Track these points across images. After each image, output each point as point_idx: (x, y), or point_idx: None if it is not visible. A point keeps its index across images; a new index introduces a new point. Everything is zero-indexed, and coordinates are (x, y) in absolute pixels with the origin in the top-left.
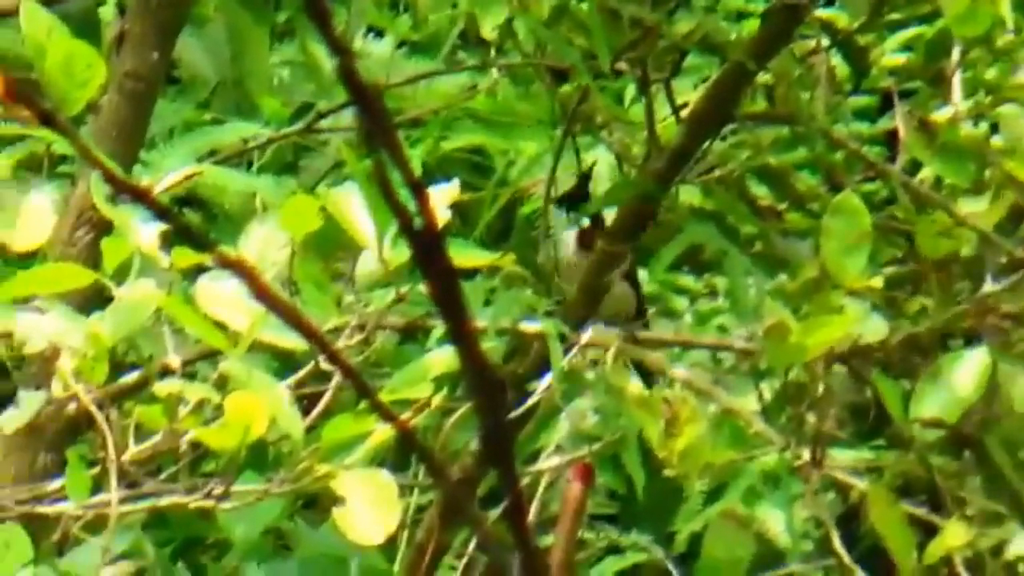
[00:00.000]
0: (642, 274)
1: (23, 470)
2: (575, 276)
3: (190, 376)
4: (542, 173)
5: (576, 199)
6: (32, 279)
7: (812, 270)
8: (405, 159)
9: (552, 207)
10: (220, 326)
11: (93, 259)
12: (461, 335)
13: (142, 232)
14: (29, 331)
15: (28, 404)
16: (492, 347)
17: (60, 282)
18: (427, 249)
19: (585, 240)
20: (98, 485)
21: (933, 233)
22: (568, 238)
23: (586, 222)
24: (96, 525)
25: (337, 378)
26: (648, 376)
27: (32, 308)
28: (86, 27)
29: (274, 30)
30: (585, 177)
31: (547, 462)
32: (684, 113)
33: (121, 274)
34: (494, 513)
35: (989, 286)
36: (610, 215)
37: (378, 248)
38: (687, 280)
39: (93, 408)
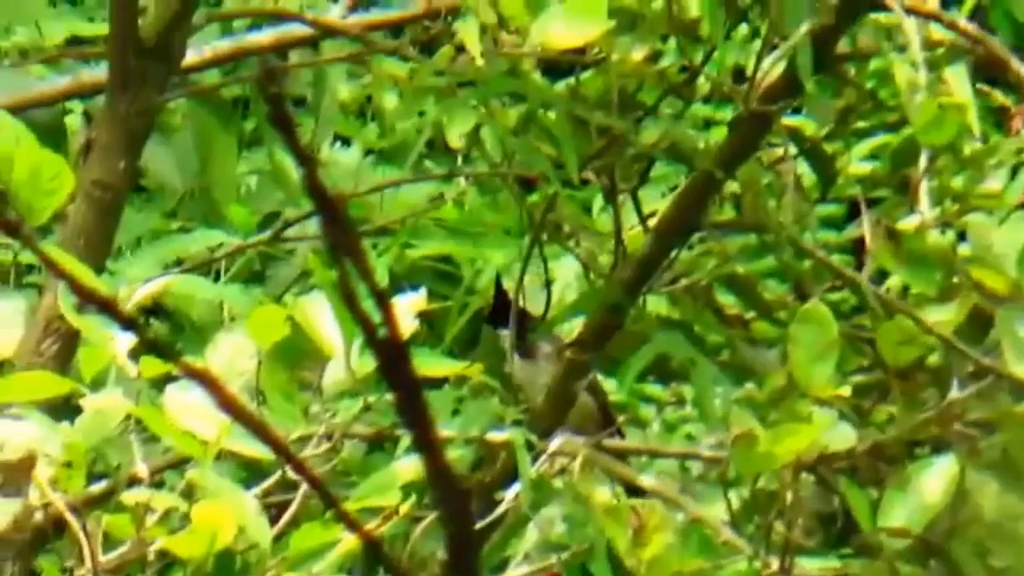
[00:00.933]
0: (610, 383)
1: None
2: (530, 389)
3: (158, 485)
4: (510, 282)
5: (498, 315)
6: (9, 386)
7: (779, 379)
8: (370, 269)
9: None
10: (188, 434)
11: (60, 368)
12: (426, 445)
13: (117, 342)
14: (6, 438)
15: (3, 511)
16: (459, 456)
17: (36, 390)
18: (391, 360)
19: (528, 351)
20: None
21: (896, 341)
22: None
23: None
24: None
25: (304, 487)
26: (635, 490)
27: (8, 415)
28: (53, 135)
29: (241, 138)
30: (502, 292)
31: (516, 571)
32: (651, 222)
33: (93, 384)
34: None
35: (955, 393)
36: (578, 325)
37: (345, 357)
38: (654, 389)
39: (70, 516)
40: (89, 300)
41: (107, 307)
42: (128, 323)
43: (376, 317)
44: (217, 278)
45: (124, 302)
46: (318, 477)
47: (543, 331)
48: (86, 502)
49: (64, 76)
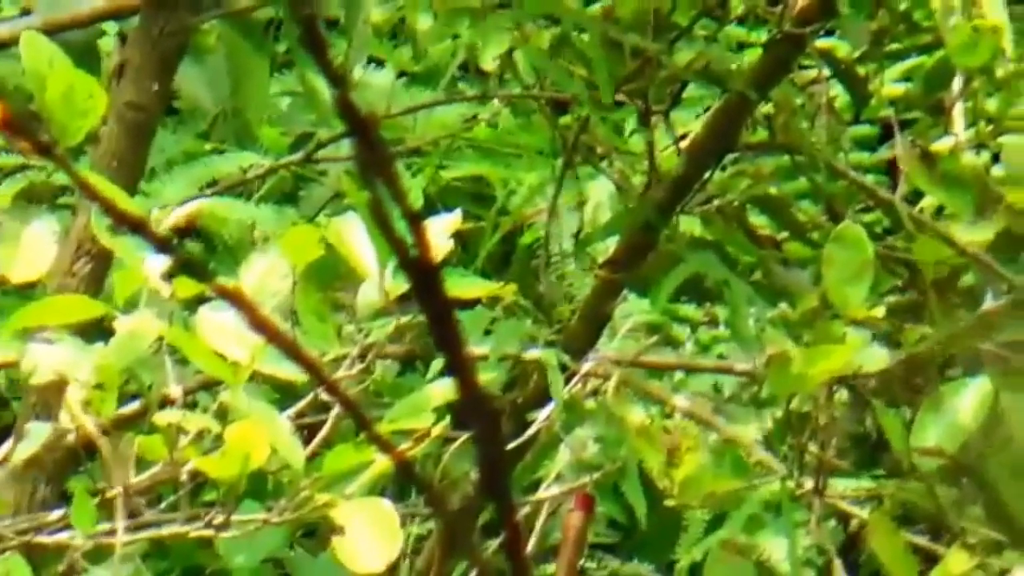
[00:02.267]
0: (643, 303)
1: (22, 501)
2: None
3: (190, 406)
4: (543, 203)
5: None
6: (42, 310)
7: (813, 299)
8: (403, 190)
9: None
10: (220, 357)
11: (93, 290)
12: (458, 367)
13: (150, 263)
14: (38, 362)
15: (36, 435)
16: (492, 377)
17: (68, 313)
18: (424, 281)
19: None
20: (100, 516)
21: (932, 258)
22: None
23: None
24: (97, 556)
25: (337, 408)
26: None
27: (40, 339)
28: (86, 57)
29: (274, 60)
30: None
31: (547, 492)
32: (684, 143)
33: (127, 305)
34: (495, 543)
35: (989, 304)
36: (611, 245)
37: (379, 278)
38: (688, 309)
39: (100, 438)
40: (122, 222)
41: (140, 228)
42: (162, 244)
43: (409, 238)
44: (249, 199)
45: (158, 224)
46: (351, 398)
47: (578, 251)
48: (118, 424)
49: None
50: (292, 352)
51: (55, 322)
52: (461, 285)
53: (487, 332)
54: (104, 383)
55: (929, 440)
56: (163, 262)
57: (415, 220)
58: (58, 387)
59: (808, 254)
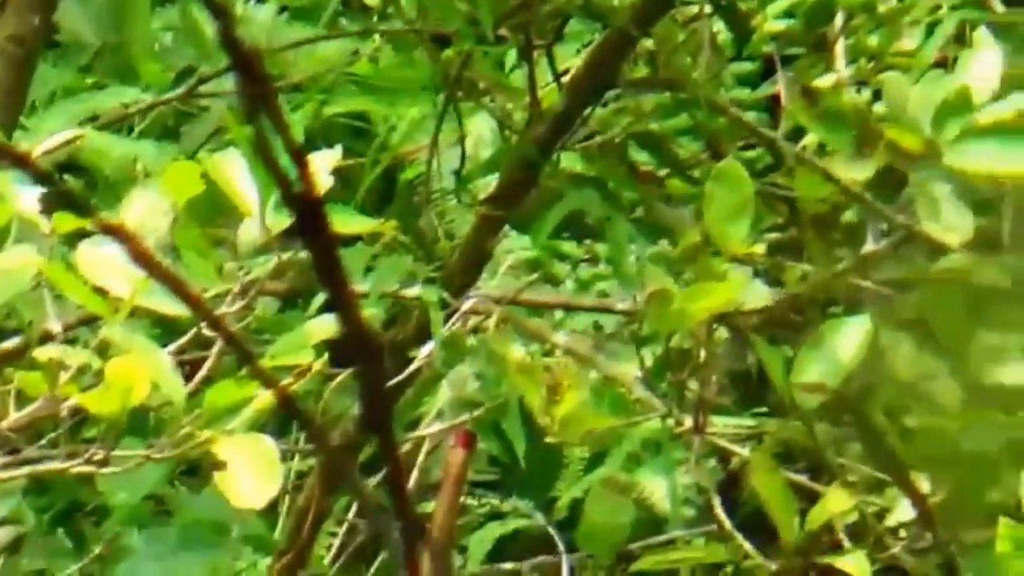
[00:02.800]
0: (523, 240)
1: None
2: None
3: (71, 342)
4: (424, 139)
5: None
6: None
7: (694, 236)
8: (286, 125)
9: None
10: (101, 292)
11: None
12: (341, 302)
13: (22, 197)
14: None
15: None
16: (373, 314)
17: None
18: (307, 216)
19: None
20: None
21: (813, 195)
22: None
23: None
24: None
25: (219, 344)
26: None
27: None
28: None
29: None
30: None
31: (428, 429)
32: (566, 79)
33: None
34: (375, 479)
35: (870, 246)
36: (492, 181)
37: (260, 214)
38: (568, 246)
39: None
40: (2, 155)
41: (20, 161)
42: (42, 176)
43: (292, 173)
44: (130, 134)
45: (38, 157)
46: (233, 333)
47: (458, 188)
48: None
49: None
50: (175, 286)
51: None
52: (342, 221)
53: (368, 269)
54: None
55: (810, 377)
56: (40, 195)
57: (298, 155)
58: None
59: (689, 191)
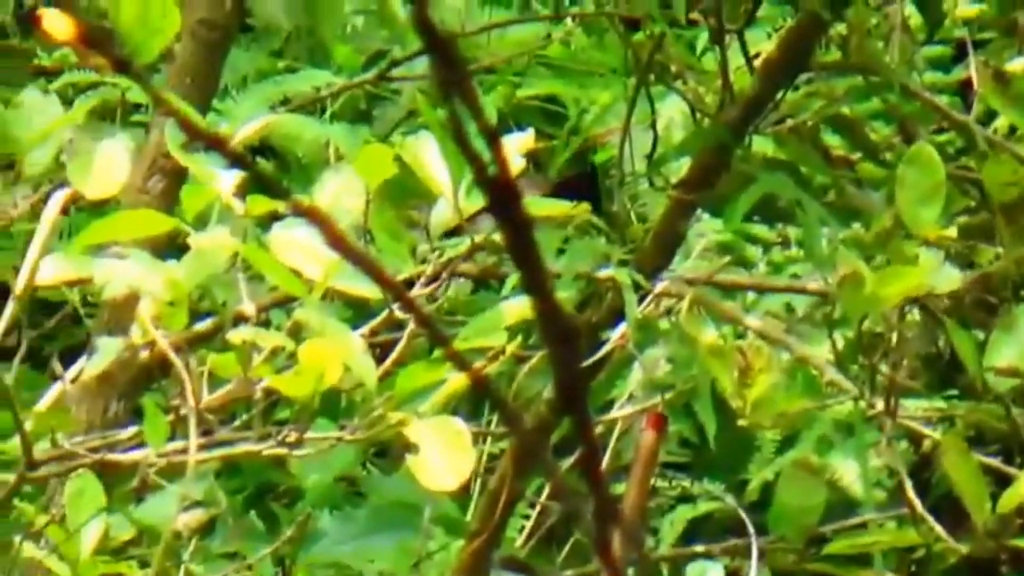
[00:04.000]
0: (715, 223)
1: (95, 418)
2: None
3: (264, 324)
4: (616, 122)
5: None
6: (111, 225)
7: (886, 220)
8: (480, 107)
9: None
10: (295, 274)
11: (166, 207)
12: (535, 284)
13: (221, 179)
14: (108, 276)
15: (106, 350)
16: (566, 296)
17: (139, 228)
18: (502, 197)
19: None
20: (172, 433)
21: (1003, 180)
22: None
23: None
24: (170, 474)
25: (411, 326)
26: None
27: (111, 254)
28: None
29: None
30: None
31: (620, 411)
32: (758, 63)
33: (196, 222)
34: (567, 462)
35: None
36: (684, 165)
37: (453, 196)
38: (761, 230)
39: (172, 354)
40: (197, 137)
41: (215, 144)
42: (236, 159)
43: (485, 156)
44: (323, 117)
45: (231, 139)
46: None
47: (650, 171)
48: (191, 341)
49: None
50: (369, 268)
51: (125, 237)
52: (536, 204)
53: (560, 251)
54: (175, 298)
55: (1002, 360)
56: (235, 177)
57: (493, 137)
58: (131, 304)
59: (881, 175)
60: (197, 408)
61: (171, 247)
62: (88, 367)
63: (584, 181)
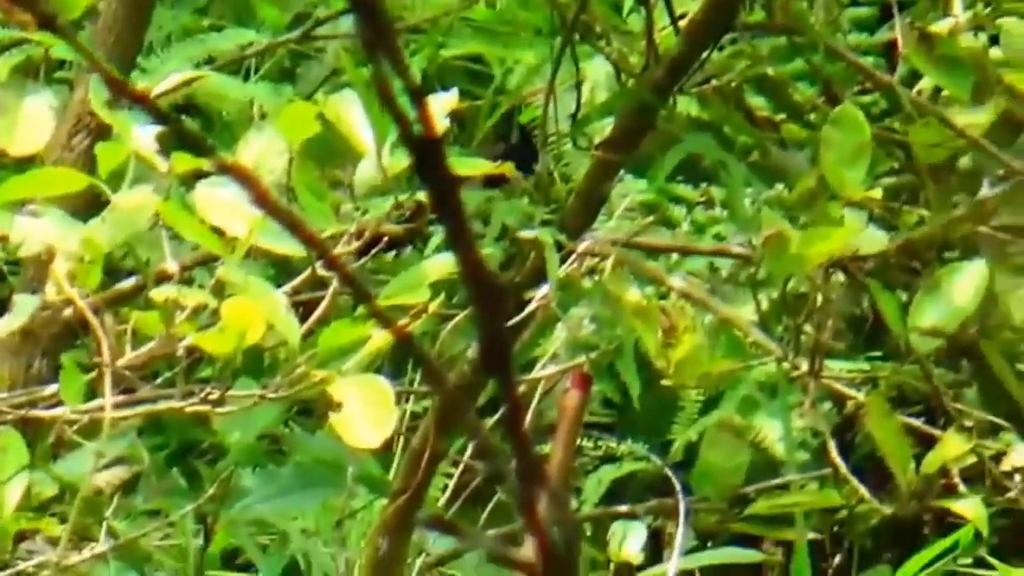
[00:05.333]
0: (640, 183)
1: (18, 375)
2: None
3: (187, 282)
4: (541, 82)
5: None
6: (28, 182)
7: (810, 180)
8: (406, 66)
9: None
10: (218, 232)
11: (90, 165)
12: (461, 243)
13: (140, 136)
14: (25, 234)
15: (22, 307)
16: (489, 255)
17: (56, 186)
18: (427, 156)
19: None
20: (93, 391)
21: (928, 141)
22: None
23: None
24: (91, 431)
25: (334, 284)
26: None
27: (27, 211)
28: None
29: None
30: None
31: (544, 371)
32: (683, 23)
33: (117, 180)
34: (491, 421)
35: (986, 191)
36: (608, 125)
37: (377, 155)
38: (684, 190)
39: (88, 313)
40: (122, 94)
41: (139, 100)
42: (160, 116)
43: (411, 114)
44: (247, 77)
45: (155, 95)
46: (351, 272)
47: (574, 131)
48: (115, 299)
49: None
50: (294, 225)
51: (42, 194)
52: (460, 164)
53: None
54: (91, 256)
55: (926, 322)
56: (154, 132)
57: (418, 95)
58: (45, 260)
59: (805, 136)
60: (113, 365)
61: (96, 205)
62: (5, 324)
63: (521, 143)
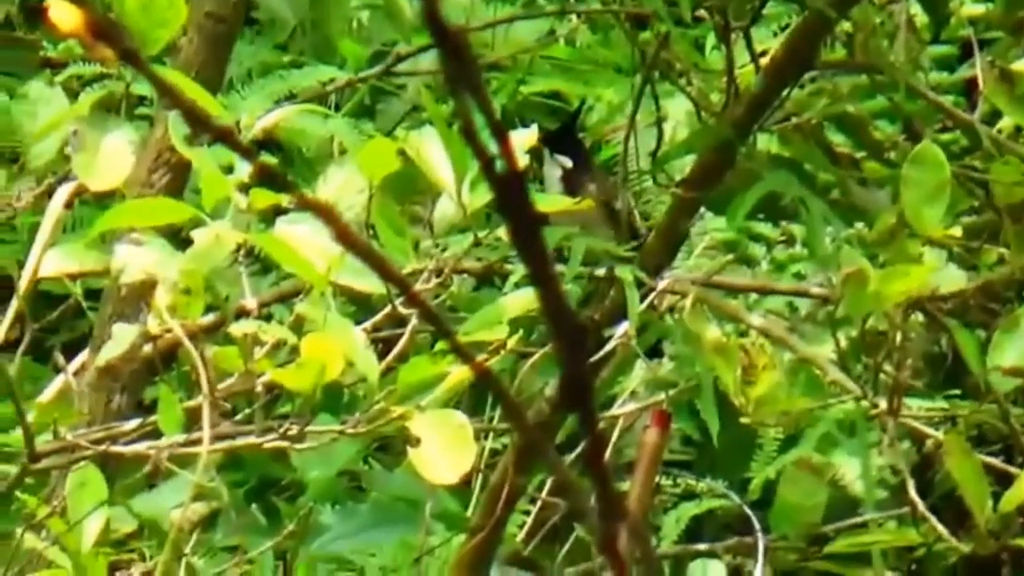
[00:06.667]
0: (719, 221)
1: (98, 411)
2: (564, 220)
3: (266, 319)
4: (621, 119)
5: (557, 140)
6: (128, 211)
7: (890, 218)
8: (489, 102)
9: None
10: (308, 262)
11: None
12: (543, 279)
13: (237, 171)
14: (126, 262)
15: (122, 337)
16: (569, 292)
17: (157, 216)
18: (509, 192)
19: (571, 182)
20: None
21: (1009, 180)
22: (553, 180)
23: (569, 163)
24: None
25: (413, 321)
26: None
27: (129, 240)
28: None
29: None
30: (574, 117)
31: (623, 408)
32: (763, 61)
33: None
34: (570, 458)
35: None
36: (689, 162)
37: (456, 192)
38: (764, 228)
39: (188, 343)
40: (205, 129)
41: (222, 136)
42: (243, 152)
43: (492, 150)
44: (328, 113)
45: (240, 133)
46: (432, 308)
47: (654, 169)
48: (195, 333)
49: None
50: (374, 261)
51: (142, 224)
52: (540, 200)
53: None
54: (192, 287)
55: (1005, 361)
56: (247, 170)
57: (500, 131)
58: (138, 296)
59: (886, 173)
60: (212, 397)
61: (172, 241)
62: (101, 354)
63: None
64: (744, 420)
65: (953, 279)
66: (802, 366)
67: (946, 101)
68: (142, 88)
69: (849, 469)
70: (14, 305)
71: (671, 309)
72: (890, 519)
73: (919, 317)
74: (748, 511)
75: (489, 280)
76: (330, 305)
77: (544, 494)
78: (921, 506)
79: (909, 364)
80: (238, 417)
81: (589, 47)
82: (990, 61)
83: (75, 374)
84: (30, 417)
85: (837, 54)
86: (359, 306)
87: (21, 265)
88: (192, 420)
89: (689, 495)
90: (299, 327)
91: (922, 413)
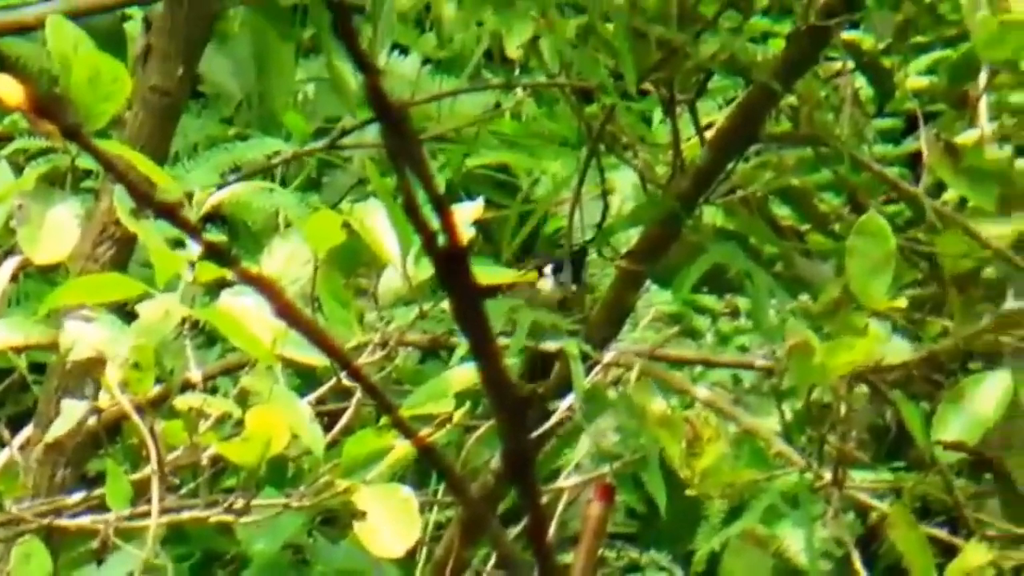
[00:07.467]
0: (664, 294)
1: (42, 484)
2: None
3: (211, 392)
4: (567, 192)
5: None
6: (78, 288)
7: (835, 291)
8: (430, 176)
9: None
10: (254, 336)
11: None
12: (484, 353)
13: (187, 248)
14: (76, 339)
15: (71, 413)
16: (513, 366)
17: (108, 292)
18: (451, 266)
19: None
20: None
21: (955, 251)
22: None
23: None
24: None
25: (358, 394)
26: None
27: (78, 316)
28: (111, 41)
29: (299, 46)
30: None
31: (568, 481)
32: (709, 134)
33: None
34: (514, 531)
35: (1010, 304)
36: (634, 235)
37: (401, 265)
38: (709, 300)
39: (136, 417)
40: (149, 205)
41: (168, 213)
42: (190, 230)
43: (435, 224)
44: (273, 186)
45: (191, 207)
46: (374, 382)
47: (599, 242)
48: (142, 407)
49: None
50: (316, 337)
51: (92, 300)
52: (484, 273)
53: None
54: (141, 362)
55: (949, 433)
56: (195, 247)
57: (442, 205)
58: (84, 370)
59: (830, 246)
60: (162, 471)
61: (117, 313)
62: (51, 431)
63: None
64: (690, 492)
65: (898, 351)
66: (747, 438)
67: (891, 173)
68: (87, 162)
69: (794, 541)
70: None
71: (617, 382)
72: None
73: (863, 389)
74: None
75: (435, 353)
76: (277, 378)
77: (489, 567)
78: None
79: (854, 436)
80: (183, 491)
81: (535, 120)
82: (935, 134)
83: (20, 448)
84: None
85: (783, 127)
86: (304, 378)
87: None
88: (138, 493)
89: (633, 567)
90: (244, 399)
91: (867, 485)
